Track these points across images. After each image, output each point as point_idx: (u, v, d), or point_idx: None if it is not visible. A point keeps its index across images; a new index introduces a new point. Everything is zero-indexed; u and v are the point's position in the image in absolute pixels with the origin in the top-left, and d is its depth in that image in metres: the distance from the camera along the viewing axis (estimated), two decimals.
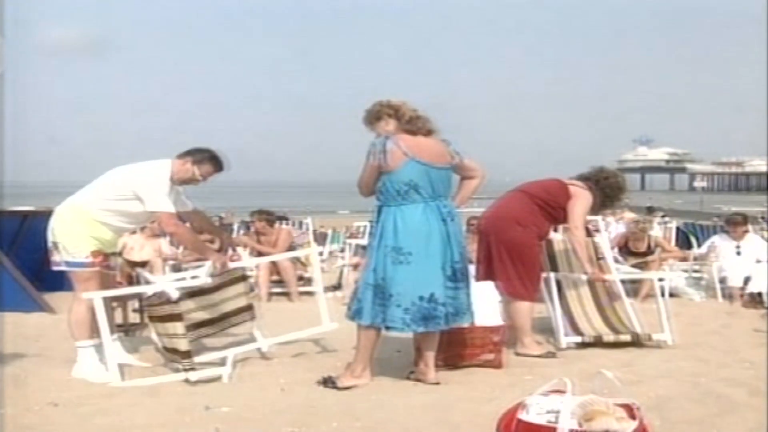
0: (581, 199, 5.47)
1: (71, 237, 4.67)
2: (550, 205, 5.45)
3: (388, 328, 4.40)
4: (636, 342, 5.53)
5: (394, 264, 4.31)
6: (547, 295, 5.70)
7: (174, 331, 4.60)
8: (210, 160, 4.84)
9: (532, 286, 5.40)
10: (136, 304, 6.29)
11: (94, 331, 4.65)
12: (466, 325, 4.62)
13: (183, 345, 4.55)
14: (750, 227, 9.86)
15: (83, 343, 4.67)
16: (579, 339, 5.49)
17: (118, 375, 4.55)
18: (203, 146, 4.90)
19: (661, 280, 6.17)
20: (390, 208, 4.37)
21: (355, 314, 4.43)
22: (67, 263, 4.69)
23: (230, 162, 4.95)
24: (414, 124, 4.41)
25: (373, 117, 4.48)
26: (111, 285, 4.95)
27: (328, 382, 4.42)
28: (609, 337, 5.55)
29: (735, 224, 9.20)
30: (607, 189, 5.59)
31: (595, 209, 5.66)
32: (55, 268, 4.76)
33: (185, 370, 4.52)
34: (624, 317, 5.79)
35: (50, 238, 4.75)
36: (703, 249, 9.43)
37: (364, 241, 10.33)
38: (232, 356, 4.76)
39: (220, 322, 5.12)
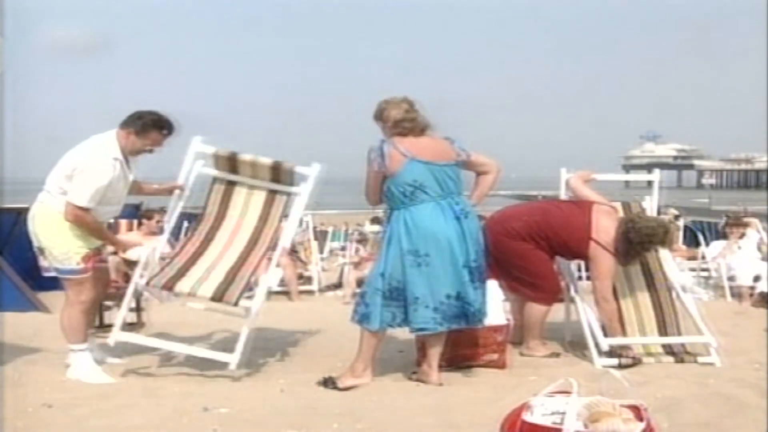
0: (602, 261, 4.96)
1: (57, 243, 4.46)
2: (554, 235, 5.07)
3: (419, 330, 4.33)
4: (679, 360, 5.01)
5: (413, 267, 4.25)
6: (579, 301, 5.29)
7: None
8: (153, 126, 4.50)
9: (545, 289, 5.15)
10: (133, 303, 6.23)
11: (88, 334, 4.58)
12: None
13: None
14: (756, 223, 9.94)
15: (78, 347, 4.55)
16: (616, 362, 4.80)
17: (108, 377, 4.51)
18: (145, 110, 4.54)
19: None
20: (399, 211, 4.31)
21: (362, 319, 4.35)
22: (58, 270, 4.51)
23: (180, 124, 4.63)
24: (400, 127, 4.33)
25: (374, 118, 4.47)
26: (105, 279, 4.84)
27: (328, 382, 4.35)
28: (650, 359, 4.96)
29: (731, 225, 9.55)
30: (631, 233, 4.93)
31: (620, 259, 5.02)
32: (46, 274, 4.66)
33: None
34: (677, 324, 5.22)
35: (35, 242, 4.54)
36: (714, 252, 9.38)
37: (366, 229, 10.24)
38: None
39: None
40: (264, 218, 4.91)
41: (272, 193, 4.95)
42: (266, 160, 4.87)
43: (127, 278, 7.92)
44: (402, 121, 4.33)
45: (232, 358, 4.48)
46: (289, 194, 4.96)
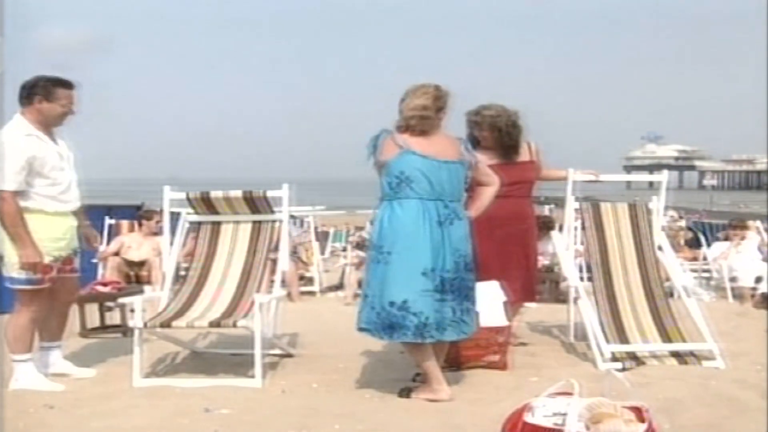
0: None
1: (13, 250, 4.20)
2: None
3: (361, 329, 4.13)
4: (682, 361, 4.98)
5: (373, 262, 4.08)
6: (589, 297, 5.20)
7: None
8: (55, 85, 4.29)
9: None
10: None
11: (33, 344, 4.41)
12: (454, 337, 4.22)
13: None
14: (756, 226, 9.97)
15: (21, 357, 4.33)
16: (620, 366, 4.69)
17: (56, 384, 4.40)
18: (31, 79, 4.30)
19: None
20: (384, 203, 4.11)
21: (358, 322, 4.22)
22: (11, 279, 4.24)
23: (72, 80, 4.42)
24: (407, 123, 4.08)
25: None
26: (71, 287, 4.61)
27: (403, 392, 4.20)
28: (653, 361, 4.93)
29: (733, 227, 9.53)
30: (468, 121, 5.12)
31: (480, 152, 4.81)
32: (7, 285, 4.31)
33: None
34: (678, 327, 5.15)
35: None
36: (716, 253, 9.38)
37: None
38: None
39: None
40: (252, 250, 5.06)
41: (256, 224, 5.13)
42: (237, 193, 5.07)
43: (128, 278, 7.97)
44: (411, 118, 4.06)
45: (255, 382, 4.43)
46: (272, 221, 5.13)
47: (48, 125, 4.33)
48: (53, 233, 4.32)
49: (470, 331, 4.22)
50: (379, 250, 4.05)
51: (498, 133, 5.10)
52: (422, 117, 4.06)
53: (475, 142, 5.10)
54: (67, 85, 4.36)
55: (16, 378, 4.33)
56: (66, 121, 4.39)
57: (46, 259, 4.27)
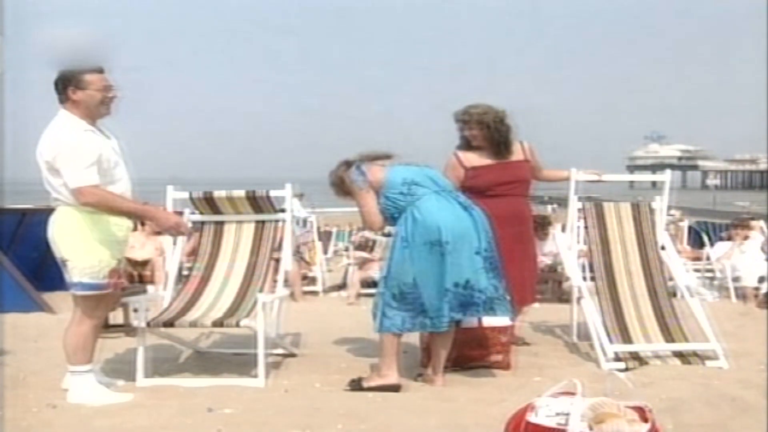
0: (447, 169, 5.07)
1: (82, 254, 4.00)
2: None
3: (453, 322, 4.31)
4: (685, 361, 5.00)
5: (440, 255, 4.19)
6: (592, 297, 5.23)
7: None
8: (84, 72, 4.04)
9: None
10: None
11: (94, 354, 4.21)
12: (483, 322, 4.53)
13: None
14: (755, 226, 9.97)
15: (81, 368, 4.11)
16: (623, 366, 4.74)
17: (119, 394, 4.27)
18: (57, 75, 4.08)
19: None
20: (405, 212, 4.26)
21: (377, 322, 4.34)
22: (83, 285, 4.01)
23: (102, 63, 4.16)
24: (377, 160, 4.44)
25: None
26: (117, 296, 4.41)
27: (355, 383, 4.32)
28: (656, 361, 4.96)
29: (736, 227, 9.55)
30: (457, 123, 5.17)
31: (476, 153, 5.11)
32: (73, 291, 4.08)
33: None
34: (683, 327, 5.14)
35: (56, 253, 4.07)
36: (719, 253, 9.37)
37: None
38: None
39: None
40: (256, 250, 5.07)
41: (260, 223, 5.14)
42: (240, 193, 5.08)
43: (131, 278, 7.97)
44: (382, 156, 4.45)
45: (258, 382, 4.44)
46: (275, 221, 5.14)
47: (93, 116, 4.09)
48: (117, 235, 4.14)
49: (504, 309, 4.43)
50: (439, 244, 4.19)
51: (487, 130, 5.08)
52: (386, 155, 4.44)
53: (467, 144, 5.15)
54: (94, 70, 4.09)
55: (75, 391, 4.10)
56: (112, 109, 4.15)
57: (113, 264, 4.08)
